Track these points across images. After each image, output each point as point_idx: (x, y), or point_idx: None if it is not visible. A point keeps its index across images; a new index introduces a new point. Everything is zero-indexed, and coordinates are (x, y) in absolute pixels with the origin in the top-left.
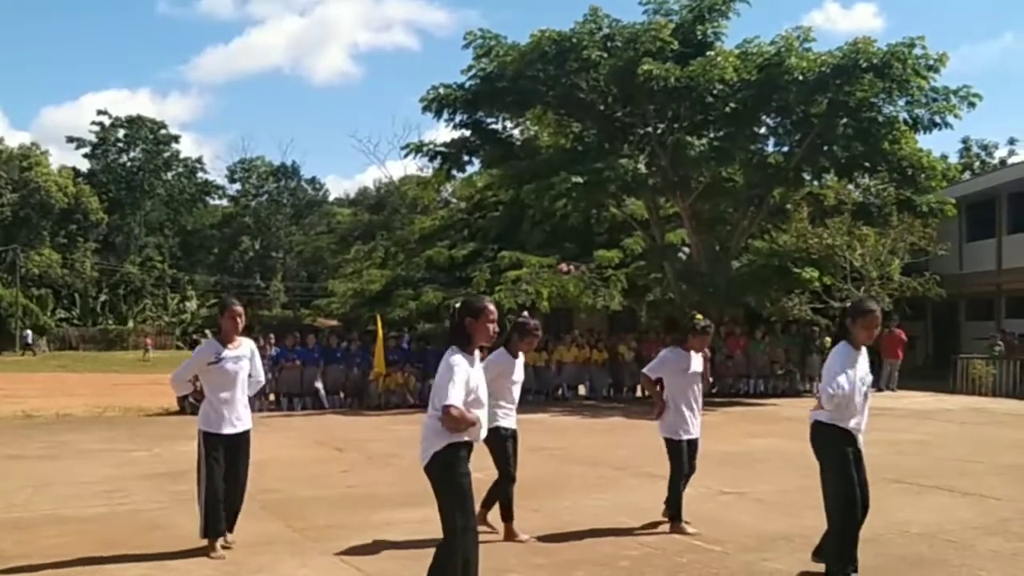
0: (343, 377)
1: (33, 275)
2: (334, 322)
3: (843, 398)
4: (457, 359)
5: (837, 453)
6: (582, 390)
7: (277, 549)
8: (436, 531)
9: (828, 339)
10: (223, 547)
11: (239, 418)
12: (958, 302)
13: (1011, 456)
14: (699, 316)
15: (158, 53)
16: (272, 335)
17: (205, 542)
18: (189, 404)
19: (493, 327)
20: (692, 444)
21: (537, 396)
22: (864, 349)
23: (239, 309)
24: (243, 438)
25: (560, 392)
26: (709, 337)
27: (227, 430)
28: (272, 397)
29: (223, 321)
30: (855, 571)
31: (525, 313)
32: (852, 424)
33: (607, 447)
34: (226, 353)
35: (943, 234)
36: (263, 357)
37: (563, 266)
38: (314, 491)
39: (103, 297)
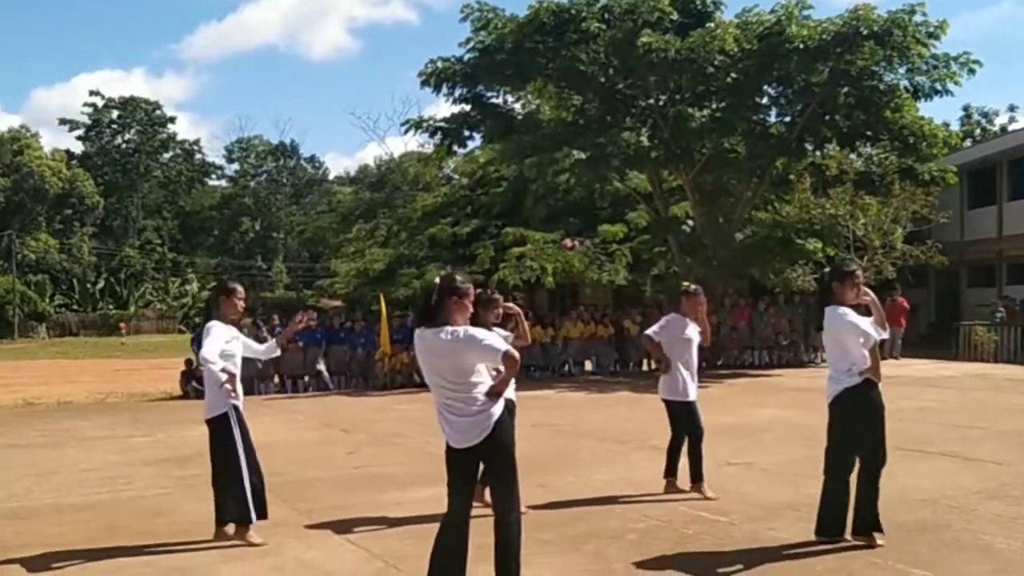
0: (347, 358)
1: (30, 261)
2: (338, 302)
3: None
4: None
5: (877, 410)
6: (588, 366)
7: (283, 531)
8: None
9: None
10: (236, 536)
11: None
12: (960, 269)
13: (1012, 421)
14: (686, 283)
15: (151, 32)
16: (276, 316)
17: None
18: (193, 389)
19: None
20: (691, 406)
21: (544, 372)
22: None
23: (242, 292)
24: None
25: (566, 368)
26: (700, 299)
27: (240, 403)
28: (276, 379)
29: (227, 304)
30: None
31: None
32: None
33: (613, 421)
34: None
35: (944, 202)
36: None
37: (567, 241)
38: (320, 473)
39: (102, 282)
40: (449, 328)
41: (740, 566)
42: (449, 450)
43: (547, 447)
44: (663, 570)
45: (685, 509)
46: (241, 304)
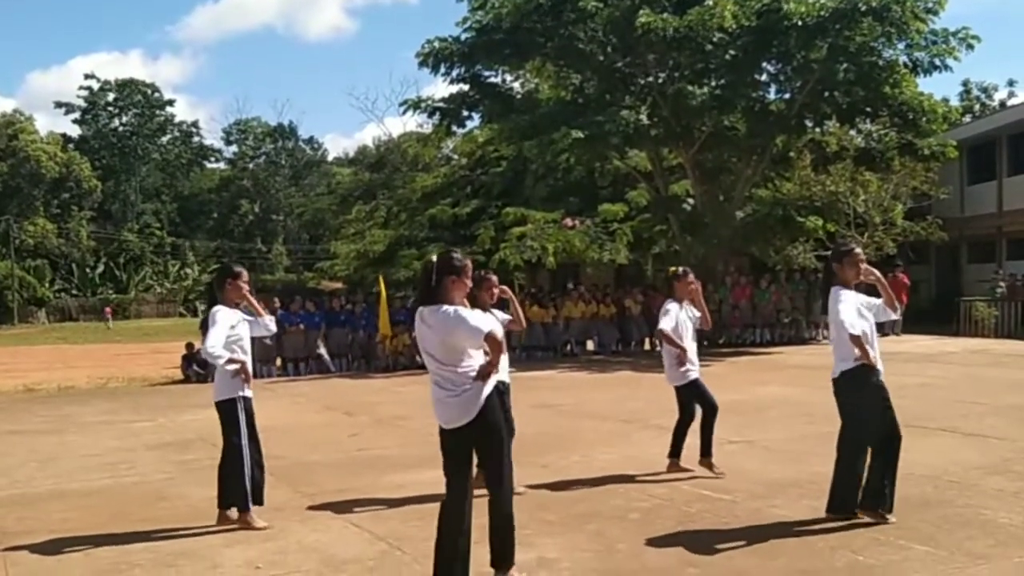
0: (348, 340)
1: (28, 246)
2: (339, 284)
3: (865, 335)
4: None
5: (875, 393)
6: (590, 345)
7: (287, 515)
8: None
9: None
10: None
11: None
12: (960, 245)
13: (1012, 396)
14: (672, 267)
15: (147, 13)
16: (277, 299)
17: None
18: (195, 373)
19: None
20: (695, 385)
21: (546, 352)
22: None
23: (247, 275)
24: (252, 402)
25: (568, 348)
26: (690, 279)
27: (250, 393)
28: (278, 363)
29: (232, 288)
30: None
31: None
32: (876, 359)
33: (616, 401)
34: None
35: (944, 178)
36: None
37: (567, 221)
38: (323, 456)
39: (101, 267)
40: (443, 306)
41: (743, 544)
42: (441, 432)
43: (550, 427)
44: (666, 548)
45: (688, 488)
46: (246, 288)
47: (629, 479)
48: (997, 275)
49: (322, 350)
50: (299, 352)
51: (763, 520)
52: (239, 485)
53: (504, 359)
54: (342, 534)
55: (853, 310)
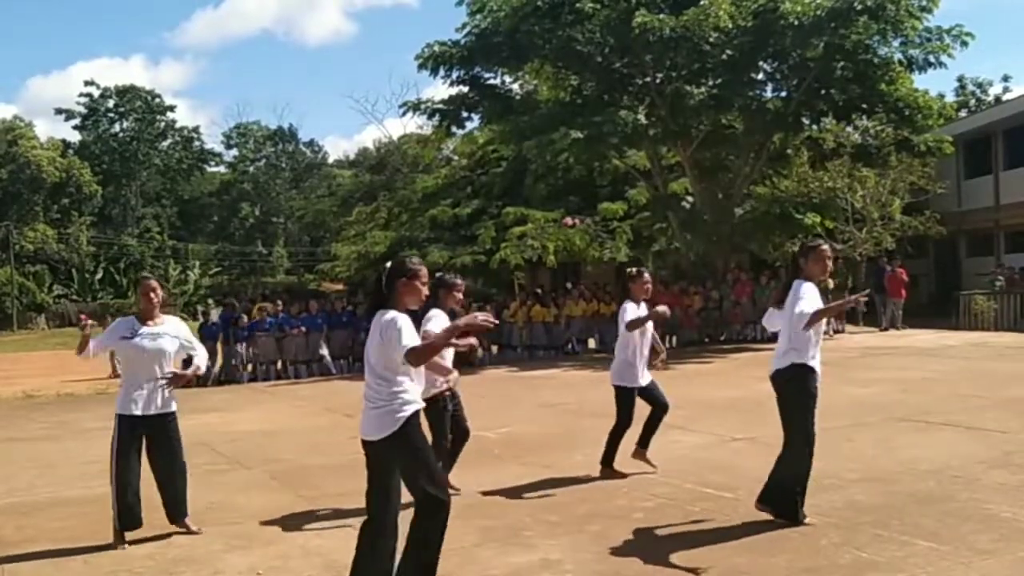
0: (349, 342)
1: (28, 252)
2: (340, 286)
3: (811, 324)
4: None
5: (809, 394)
6: (592, 344)
7: (288, 519)
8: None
9: (831, 282)
10: (187, 531)
11: (162, 399)
12: (958, 239)
13: (1013, 389)
14: (629, 269)
15: (147, 19)
16: (280, 301)
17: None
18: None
19: (424, 289)
20: (645, 391)
21: (547, 351)
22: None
23: (153, 284)
24: (166, 420)
25: (569, 346)
26: (645, 280)
27: (149, 411)
28: (279, 365)
29: (139, 297)
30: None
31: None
32: (815, 361)
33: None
34: (143, 330)
35: (941, 172)
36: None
37: (568, 220)
38: (324, 459)
39: (101, 272)
40: (388, 312)
41: (746, 542)
42: (362, 443)
43: (552, 427)
44: (670, 548)
45: (691, 487)
46: (155, 297)
47: (632, 478)
48: (996, 269)
49: (324, 352)
50: (300, 354)
51: (766, 518)
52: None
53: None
54: (344, 538)
55: (814, 303)
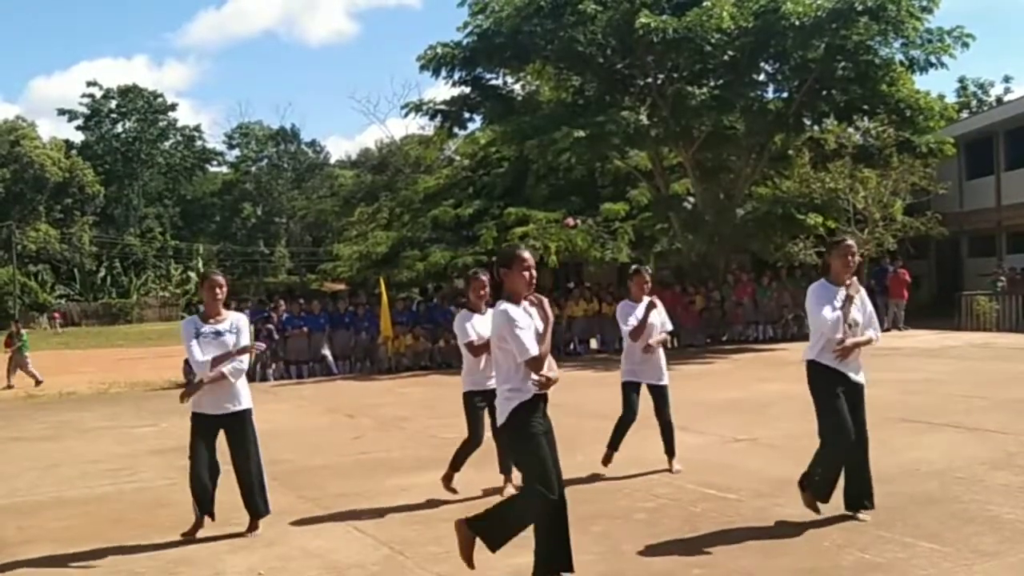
0: (351, 342)
1: (30, 252)
2: (341, 286)
3: (831, 329)
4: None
5: (826, 392)
6: (593, 344)
7: (290, 520)
8: (450, 495)
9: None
10: (249, 533)
11: (234, 396)
12: (960, 239)
13: (1015, 390)
14: (633, 265)
15: (149, 20)
16: (282, 301)
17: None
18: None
19: (529, 274)
20: (653, 389)
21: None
22: (861, 291)
23: (220, 279)
24: (240, 418)
25: (571, 346)
26: (645, 277)
27: (216, 411)
28: (281, 365)
29: (203, 293)
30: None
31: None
32: (828, 358)
33: (619, 400)
34: (206, 328)
35: (943, 173)
36: (275, 322)
37: (569, 220)
38: (326, 459)
39: (103, 271)
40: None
41: (749, 543)
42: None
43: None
44: (672, 549)
45: (693, 487)
46: (220, 292)
47: (634, 479)
48: (998, 269)
49: (326, 352)
50: (302, 354)
51: (768, 519)
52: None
53: None
54: (345, 539)
55: (827, 307)
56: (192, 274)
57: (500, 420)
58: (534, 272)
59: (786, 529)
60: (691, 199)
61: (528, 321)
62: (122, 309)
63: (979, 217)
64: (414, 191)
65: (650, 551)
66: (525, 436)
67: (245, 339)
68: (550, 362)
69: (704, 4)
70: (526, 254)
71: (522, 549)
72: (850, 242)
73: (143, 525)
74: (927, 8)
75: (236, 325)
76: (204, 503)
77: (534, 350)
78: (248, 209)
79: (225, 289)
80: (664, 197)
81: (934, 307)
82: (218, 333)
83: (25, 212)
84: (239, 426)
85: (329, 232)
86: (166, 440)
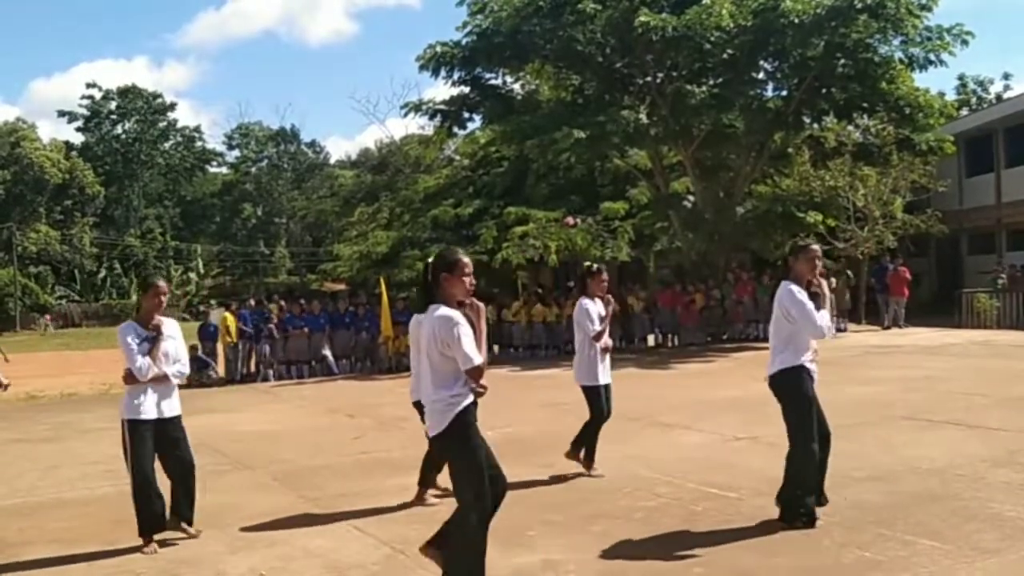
0: (351, 342)
1: (31, 253)
2: (342, 286)
3: (823, 332)
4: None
5: (809, 398)
6: None
7: (291, 520)
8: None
9: (834, 280)
10: (170, 541)
11: (174, 400)
12: (960, 237)
13: (1016, 388)
14: (587, 263)
15: (149, 21)
16: (283, 301)
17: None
18: (207, 377)
19: (469, 280)
20: (606, 389)
21: (549, 351)
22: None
23: (164, 287)
24: (178, 424)
25: (570, 346)
26: (603, 279)
27: (157, 415)
28: (282, 365)
29: (146, 300)
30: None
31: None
32: (809, 361)
33: (619, 399)
34: (147, 335)
35: (943, 171)
36: (276, 323)
37: (569, 219)
38: (326, 459)
39: (104, 272)
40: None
41: (749, 542)
42: None
43: (554, 426)
44: (673, 548)
45: (693, 486)
46: (163, 300)
47: (634, 478)
48: (998, 266)
49: (327, 352)
50: (302, 354)
51: (768, 517)
52: None
53: None
54: (346, 539)
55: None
56: (192, 275)
57: (438, 428)
58: (473, 279)
59: (787, 528)
60: (691, 198)
61: (470, 329)
62: (123, 310)
63: (979, 214)
64: (414, 191)
65: (651, 550)
66: (469, 446)
67: (181, 345)
68: None
69: (703, 2)
70: (467, 259)
71: (523, 549)
72: (816, 247)
73: None
74: (926, 6)
75: (172, 331)
76: (158, 517)
77: (478, 359)
78: (248, 210)
79: (168, 296)
80: (664, 196)
81: (934, 305)
82: (157, 338)
83: (25, 213)
84: (179, 432)
85: (329, 232)
86: None
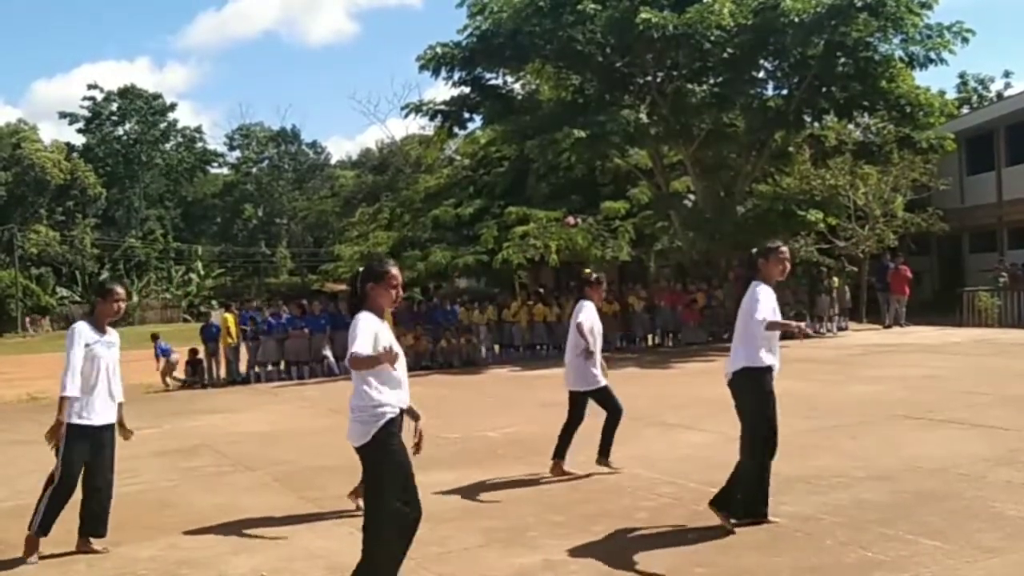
0: None
1: (32, 254)
2: (343, 286)
3: (768, 328)
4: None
5: (769, 398)
6: None
7: (292, 521)
8: (452, 495)
9: (836, 279)
10: (92, 551)
11: (106, 409)
12: (961, 236)
13: (1018, 386)
14: (587, 271)
15: (150, 22)
16: (282, 301)
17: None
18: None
19: (396, 292)
20: (603, 391)
21: (550, 351)
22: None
23: (121, 293)
24: (114, 432)
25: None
26: (603, 286)
27: (103, 421)
28: (282, 366)
29: (103, 305)
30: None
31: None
32: (774, 362)
33: (621, 399)
34: (101, 339)
35: (944, 169)
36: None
37: (570, 219)
38: (328, 461)
39: (105, 273)
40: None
41: (751, 541)
42: None
43: (555, 427)
44: (675, 548)
45: (695, 486)
46: (122, 307)
47: (636, 478)
48: (999, 265)
49: (327, 352)
50: (303, 356)
51: (771, 516)
52: None
53: None
54: (348, 540)
55: (769, 308)
56: (193, 276)
57: (363, 439)
58: (400, 291)
59: (789, 527)
60: (691, 197)
61: (375, 328)
62: (124, 311)
63: (980, 213)
64: (415, 191)
65: (653, 550)
66: (394, 458)
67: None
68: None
69: (704, 1)
70: (396, 271)
71: (524, 548)
72: (785, 248)
73: (146, 526)
74: (926, 4)
75: (116, 339)
76: (102, 524)
77: (364, 350)
78: (249, 210)
79: (126, 303)
80: (664, 195)
81: (935, 303)
82: (110, 344)
83: (27, 215)
84: (113, 440)
85: (330, 233)
86: (168, 442)
